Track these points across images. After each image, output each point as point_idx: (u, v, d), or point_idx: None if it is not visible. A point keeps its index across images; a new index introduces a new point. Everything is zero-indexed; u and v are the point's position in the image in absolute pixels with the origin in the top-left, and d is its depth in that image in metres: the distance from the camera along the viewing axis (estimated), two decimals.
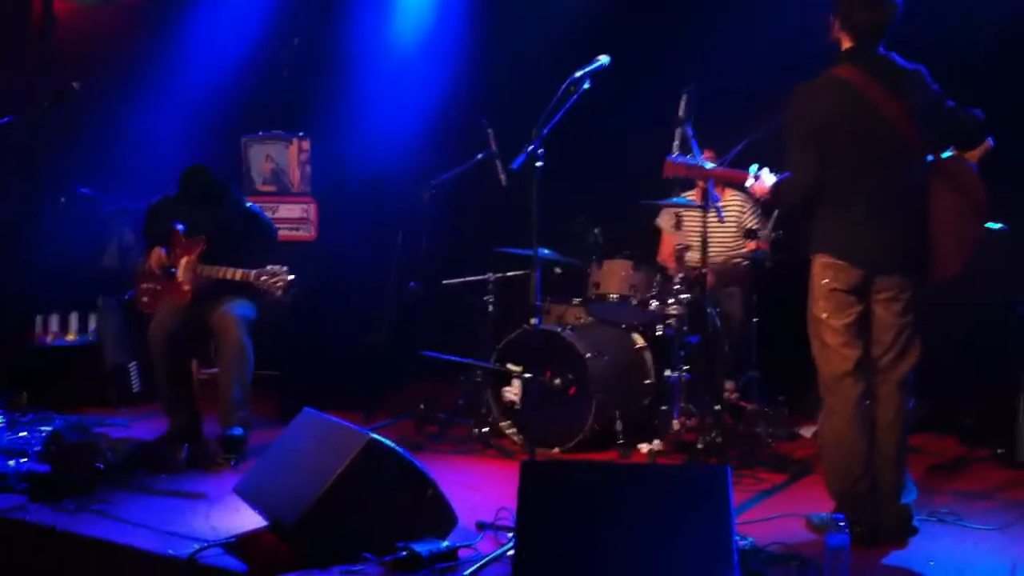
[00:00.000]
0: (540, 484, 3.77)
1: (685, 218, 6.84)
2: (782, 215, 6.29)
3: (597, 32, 7.23)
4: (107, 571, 4.38)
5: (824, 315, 4.42)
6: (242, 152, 8.81)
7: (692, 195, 6.73)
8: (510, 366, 6.21)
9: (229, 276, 5.86)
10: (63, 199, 7.87)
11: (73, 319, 7.64)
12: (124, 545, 4.32)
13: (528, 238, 4.55)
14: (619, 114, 7.13)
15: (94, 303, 7.54)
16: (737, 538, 3.67)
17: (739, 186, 5.23)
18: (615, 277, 6.33)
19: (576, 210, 6.69)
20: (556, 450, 6.04)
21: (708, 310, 6.06)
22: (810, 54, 4.71)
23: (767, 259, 6.49)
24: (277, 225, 7.01)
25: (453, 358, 6.52)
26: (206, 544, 4.21)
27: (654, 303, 6.18)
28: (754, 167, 4.60)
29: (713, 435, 5.74)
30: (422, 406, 6.68)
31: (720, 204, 6.19)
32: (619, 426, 6.03)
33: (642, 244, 6.94)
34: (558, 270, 6.78)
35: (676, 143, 5.50)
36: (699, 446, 5.72)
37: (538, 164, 4.42)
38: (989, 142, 4.51)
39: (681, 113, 5.59)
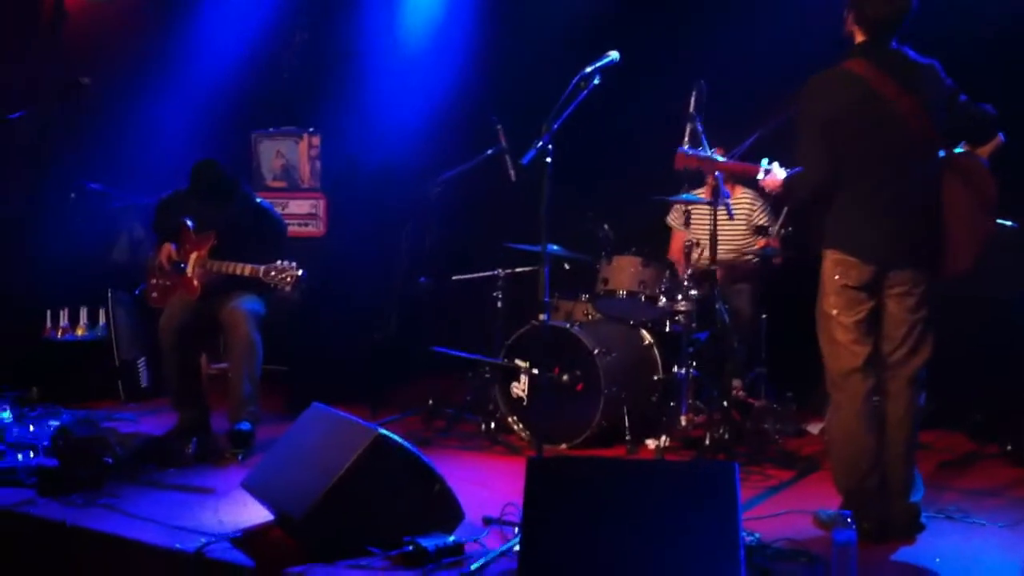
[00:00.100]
0: (547, 480, 3.77)
1: (695, 215, 6.82)
2: (792, 211, 6.29)
3: (606, 28, 7.19)
4: (115, 565, 4.40)
5: (834, 311, 4.41)
6: (252, 147, 8.84)
7: (702, 192, 6.72)
8: (518, 362, 6.21)
9: (238, 271, 5.87)
10: (72, 194, 7.89)
11: (83, 314, 7.65)
12: (132, 539, 4.34)
13: (537, 234, 4.54)
14: (629, 110, 7.10)
15: (104, 298, 7.54)
16: (744, 534, 3.67)
17: (749, 181, 5.23)
18: (624, 273, 6.32)
19: (585, 206, 6.68)
20: (563, 446, 6.04)
21: (717, 306, 6.05)
22: (814, 52, 4.71)
23: (777, 255, 6.47)
24: (286, 221, 7.02)
25: (461, 354, 6.52)
26: (213, 538, 4.23)
27: (663, 299, 6.17)
28: (765, 161, 4.59)
29: (721, 431, 5.73)
30: (430, 401, 6.69)
31: (730, 201, 6.17)
32: (627, 422, 6.02)
33: (651, 240, 6.92)
34: (567, 266, 6.78)
35: (686, 138, 5.50)
36: (707, 442, 5.73)
37: (548, 160, 4.41)
38: (1000, 138, 4.50)
39: (691, 108, 5.58)
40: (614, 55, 4.55)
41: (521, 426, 6.28)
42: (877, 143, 4.30)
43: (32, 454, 5.53)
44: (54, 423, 6.22)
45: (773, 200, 6.53)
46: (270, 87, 8.78)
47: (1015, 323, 5.97)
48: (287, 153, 8.79)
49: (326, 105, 8.60)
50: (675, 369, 6.10)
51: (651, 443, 5.89)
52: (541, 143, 4.41)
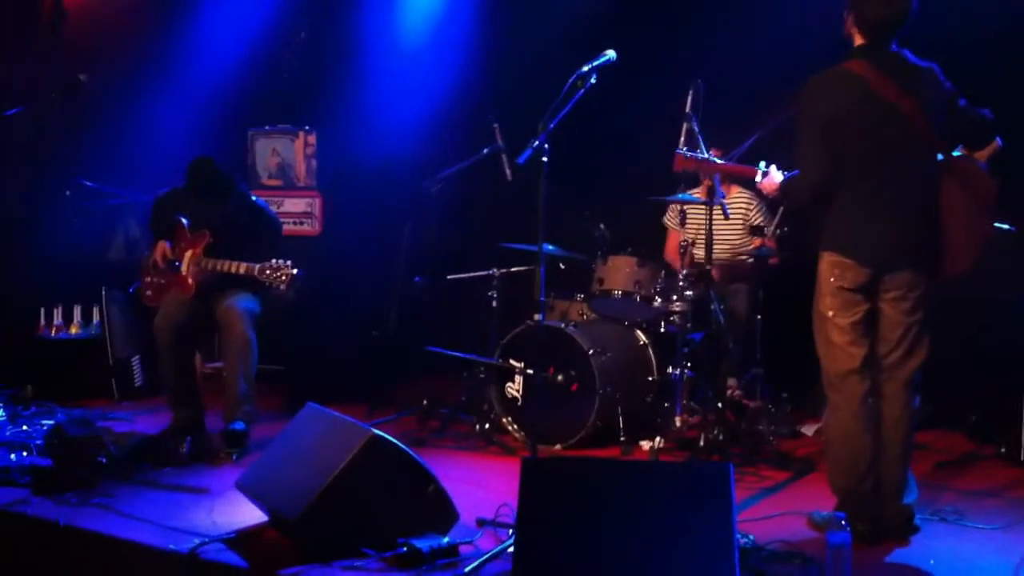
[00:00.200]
0: (541, 481, 3.77)
1: (690, 214, 6.82)
2: (788, 212, 6.28)
3: (603, 28, 7.17)
4: (109, 565, 4.39)
5: (830, 313, 4.40)
6: (248, 145, 8.81)
7: (698, 192, 6.71)
8: (513, 362, 6.20)
9: (233, 270, 5.86)
10: (68, 192, 7.87)
11: (77, 312, 7.64)
12: (126, 539, 4.33)
13: (533, 233, 4.54)
14: (626, 110, 7.10)
15: (98, 296, 7.53)
16: (738, 536, 3.66)
17: (746, 182, 5.23)
18: (619, 273, 6.32)
19: (582, 206, 6.68)
20: (558, 447, 6.04)
21: (712, 307, 6.05)
22: (814, 52, 4.71)
23: (772, 256, 6.47)
24: (282, 219, 7.02)
25: (456, 354, 6.51)
26: (207, 539, 4.21)
27: (658, 300, 6.17)
28: (763, 164, 4.58)
29: (715, 432, 5.73)
30: (425, 402, 6.67)
31: (726, 201, 6.17)
32: (621, 423, 6.02)
33: (647, 240, 6.92)
34: (562, 266, 6.77)
35: (682, 138, 5.49)
36: (701, 443, 5.72)
37: (544, 159, 4.40)
38: (997, 142, 4.50)
39: (688, 108, 5.58)
40: (611, 54, 4.54)
41: (516, 426, 6.27)
42: (876, 144, 4.30)
43: (26, 453, 5.52)
44: (48, 422, 6.23)
45: (769, 200, 6.54)
46: (266, 85, 8.76)
47: (1013, 324, 5.97)
48: (283, 151, 8.77)
49: (323, 103, 8.59)
50: (670, 370, 6.09)
51: (646, 444, 5.88)
52: (537, 143, 4.39)
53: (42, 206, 8.10)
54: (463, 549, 4.10)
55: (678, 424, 5.96)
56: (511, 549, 3.82)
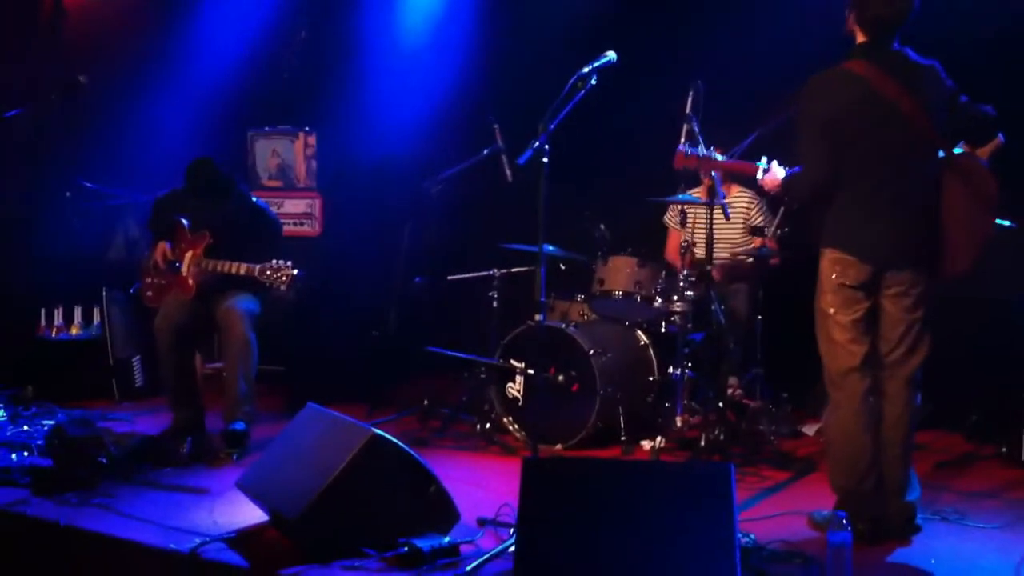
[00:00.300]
0: (542, 481, 3.76)
1: (691, 215, 6.81)
2: (789, 211, 6.28)
3: (603, 28, 7.17)
4: (109, 565, 4.38)
5: (831, 310, 4.40)
6: (248, 146, 8.82)
7: (698, 192, 6.71)
8: (513, 363, 6.20)
9: (233, 271, 5.86)
10: (68, 192, 7.87)
11: (77, 313, 7.64)
12: (126, 540, 4.33)
13: (533, 234, 4.53)
14: (626, 111, 7.10)
15: (98, 296, 7.53)
16: (739, 535, 3.66)
17: (747, 181, 5.22)
18: (620, 274, 6.32)
19: (582, 206, 6.67)
20: (559, 447, 6.03)
21: (713, 307, 6.05)
22: (814, 52, 4.71)
23: (773, 256, 6.47)
24: (282, 220, 7.01)
25: (457, 354, 6.51)
26: (208, 539, 4.21)
27: (659, 300, 6.17)
28: (764, 160, 4.58)
29: (716, 432, 5.72)
30: (426, 402, 6.68)
31: (726, 201, 6.16)
32: (622, 423, 6.01)
33: (647, 241, 6.92)
34: (563, 266, 6.77)
35: (683, 138, 5.49)
36: (702, 443, 5.71)
37: (544, 160, 4.40)
38: (1000, 138, 4.50)
39: (688, 108, 5.57)
40: (611, 55, 4.54)
41: (517, 427, 6.27)
42: (877, 143, 4.30)
43: (26, 453, 5.52)
44: (48, 422, 6.23)
45: (770, 200, 6.54)
46: (266, 86, 8.77)
47: (1013, 324, 5.97)
48: (283, 152, 8.77)
49: (322, 104, 8.59)
50: (671, 370, 6.09)
51: (646, 444, 5.88)
52: (538, 143, 4.39)
53: (42, 206, 8.10)
54: (464, 549, 4.10)
55: (679, 424, 5.96)
56: (512, 549, 3.83)
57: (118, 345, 7.51)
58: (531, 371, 6.08)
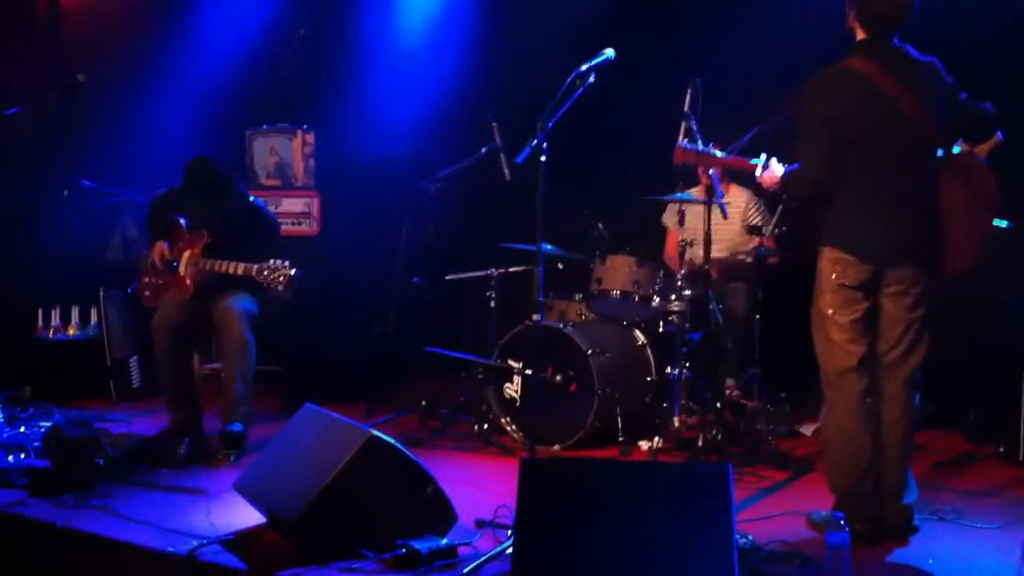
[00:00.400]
0: (540, 481, 3.76)
1: (689, 214, 6.81)
2: (787, 210, 6.27)
3: (603, 28, 7.17)
4: (106, 567, 4.37)
5: (830, 311, 4.39)
6: (246, 145, 8.81)
7: (696, 191, 6.71)
8: (511, 363, 6.19)
9: (231, 270, 5.85)
10: (66, 191, 7.86)
11: (74, 313, 7.63)
12: (123, 541, 4.32)
13: (531, 233, 4.52)
14: (625, 109, 7.10)
15: (96, 296, 7.52)
16: (737, 536, 3.65)
17: (745, 180, 5.21)
18: (618, 273, 6.31)
19: (580, 205, 6.66)
20: (557, 447, 6.02)
21: (711, 307, 6.04)
22: (814, 52, 4.70)
23: (771, 255, 6.46)
24: (280, 219, 7.00)
25: (455, 354, 6.50)
26: (205, 541, 4.20)
27: (656, 299, 6.16)
28: (763, 156, 4.57)
29: (714, 432, 5.72)
30: (424, 402, 6.68)
31: (724, 200, 6.16)
32: (620, 423, 6.01)
33: (646, 240, 6.92)
34: (561, 265, 6.76)
35: (681, 136, 5.48)
36: (700, 443, 5.71)
37: (542, 159, 4.39)
38: (999, 136, 4.50)
39: (686, 107, 5.56)
40: (609, 53, 4.53)
41: (514, 427, 6.26)
42: (878, 143, 4.29)
43: (23, 455, 5.51)
44: (46, 423, 6.22)
45: (768, 199, 6.53)
46: (265, 84, 8.77)
47: (1013, 324, 5.96)
48: (281, 150, 8.76)
49: (321, 102, 8.58)
50: (668, 370, 6.09)
51: (644, 444, 5.87)
52: (536, 142, 4.39)
53: (41, 206, 8.10)
54: (462, 550, 4.09)
55: (676, 424, 5.96)
56: (510, 550, 3.82)
57: (116, 345, 7.50)
58: (529, 371, 6.07)
